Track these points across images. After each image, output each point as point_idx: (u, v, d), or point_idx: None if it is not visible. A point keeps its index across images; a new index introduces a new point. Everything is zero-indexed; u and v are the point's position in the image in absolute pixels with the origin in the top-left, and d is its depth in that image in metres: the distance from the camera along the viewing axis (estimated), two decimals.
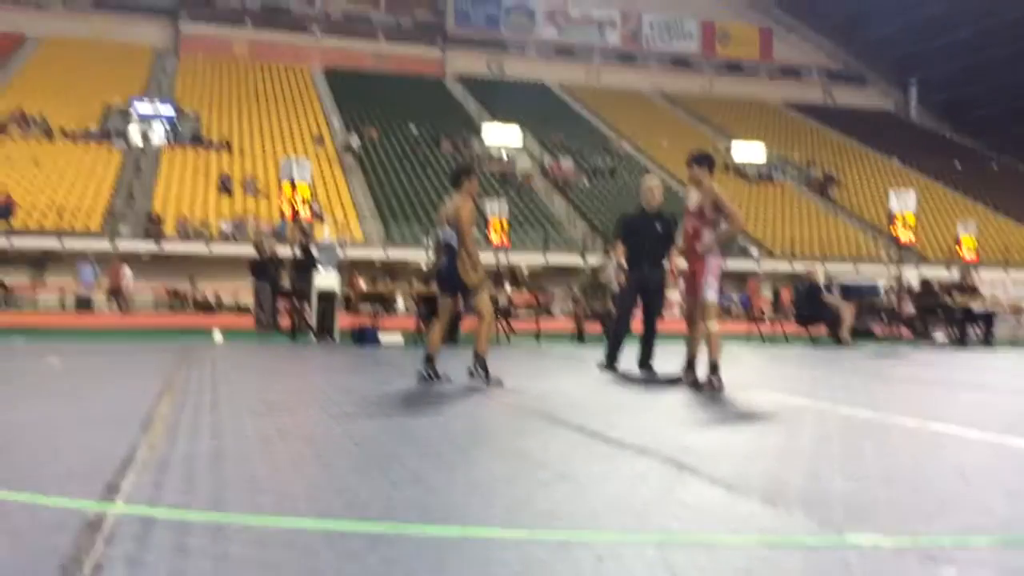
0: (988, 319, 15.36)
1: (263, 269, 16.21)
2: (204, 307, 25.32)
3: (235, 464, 3.84)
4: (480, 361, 7.13)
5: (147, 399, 5.90)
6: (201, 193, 30.44)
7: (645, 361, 8.46)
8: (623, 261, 8.58)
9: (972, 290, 15.72)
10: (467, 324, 7.55)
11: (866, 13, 48.39)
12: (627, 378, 8.06)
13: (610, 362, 8.55)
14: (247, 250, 24.74)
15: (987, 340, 15.10)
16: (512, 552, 2.54)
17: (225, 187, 30.80)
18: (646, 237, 8.33)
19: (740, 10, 54.06)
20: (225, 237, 27.62)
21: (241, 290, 25.04)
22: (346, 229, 28.08)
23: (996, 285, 26.51)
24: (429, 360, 7.32)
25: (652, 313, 8.61)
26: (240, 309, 25.27)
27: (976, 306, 15.37)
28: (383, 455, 4.11)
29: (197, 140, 34.67)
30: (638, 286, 8.48)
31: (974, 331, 15.19)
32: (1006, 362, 11.57)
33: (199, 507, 3.00)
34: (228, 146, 34.21)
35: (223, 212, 29.09)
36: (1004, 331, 16.35)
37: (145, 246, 27.04)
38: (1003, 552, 2.64)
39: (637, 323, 8.77)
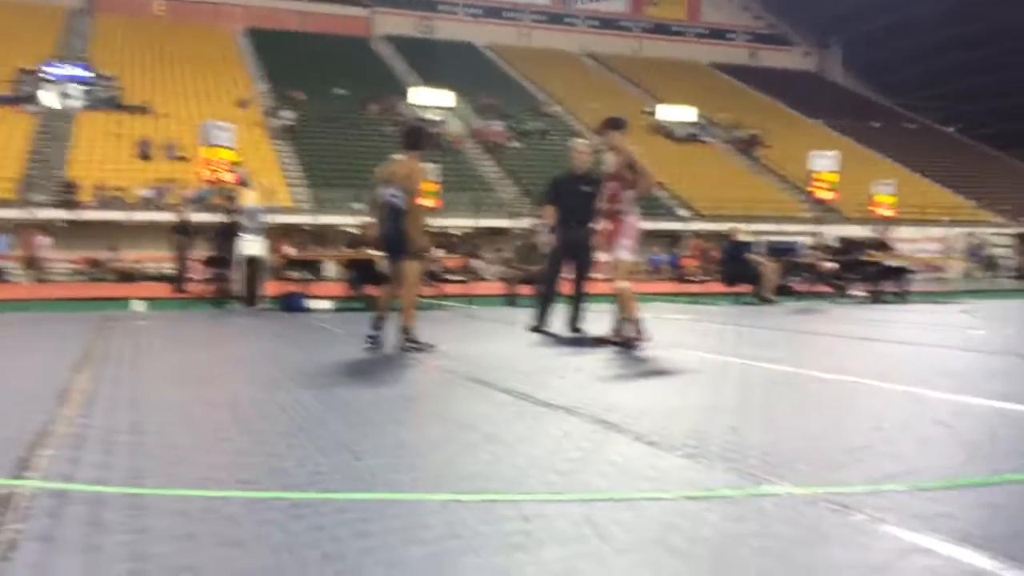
0: (903, 274, 15.87)
1: (185, 235, 15.88)
2: (125, 276, 24.59)
3: (155, 436, 3.76)
4: (409, 334, 7.03)
5: (64, 371, 5.73)
6: (119, 158, 29.44)
7: (574, 323, 8.54)
8: (552, 222, 8.62)
9: (888, 247, 16.21)
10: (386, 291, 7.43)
11: None
12: (556, 340, 8.12)
13: (540, 324, 8.60)
14: (169, 217, 24.12)
15: (902, 294, 15.62)
16: (437, 515, 2.55)
17: (144, 152, 29.84)
18: (573, 199, 8.38)
19: None
20: (146, 203, 26.82)
21: (164, 257, 24.38)
22: (273, 194, 27.52)
23: (912, 242, 27.41)
24: (378, 325, 7.19)
25: (581, 274, 8.68)
26: (163, 278, 24.61)
27: (891, 262, 15.87)
28: (310, 422, 4.08)
29: (114, 103, 33.46)
30: (566, 247, 8.53)
31: (889, 286, 15.68)
32: (919, 316, 12.00)
33: (117, 481, 2.94)
34: (147, 109, 33.11)
35: (143, 178, 28.21)
36: (918, 286, 16.93)
37: (61, 214, 26.10)
38: (911, 498, 2.75)
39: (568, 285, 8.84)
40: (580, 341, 7.99)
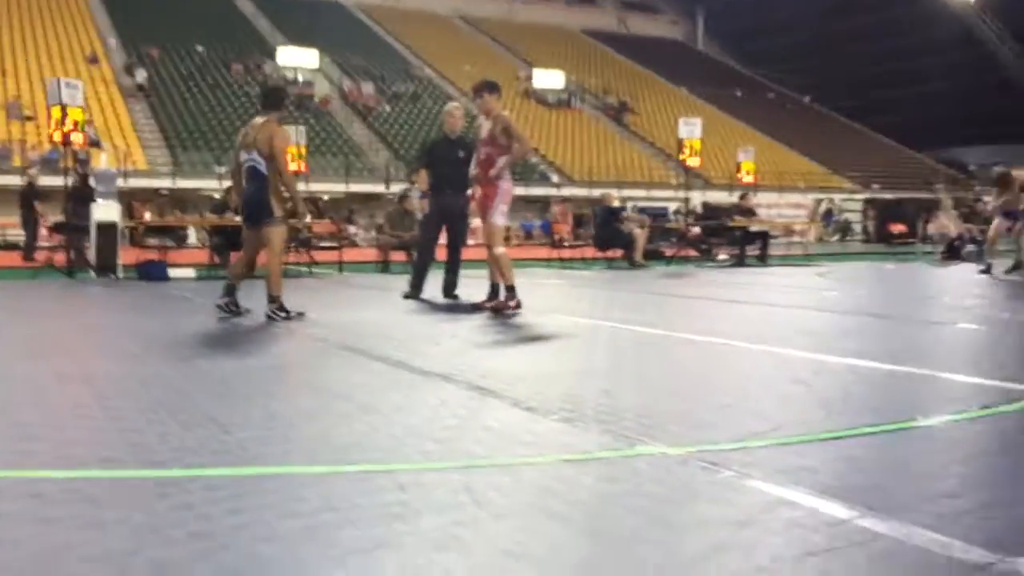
0: (764, 239, 16.59)
1: (31, 199, 14.92)
2: None
3: (4, 414, 3.51)
4: (276, 302, 6.81)
5: None
6: None
7: (450, 289, 8.50)
8: (425, 188, 8.51)
9: (750, 212, 16.89)
10: (261, 258, 7.20)
11: None
12: (431, 306, 8.07)
13: (414, 291, 8.52)
14: (14, 180, 22.56)
15: (763, 258, 16.33)
16: (312, 488, 2.48)
17: None
18: (448, 163, 8.27)
19: None
20: None
21: (10, 224, 22.85)
22: (128, 157, 26.13)
23: (771, 207, 28.68)
24: (230, 292, 6.98)
25: (456, 241, 8.63)
26: (9, 245, 23.06)
27: (754, 227, 16.55)
28: (174, 396, 3.90)
29: None
30: (440, 213, 8.45)
31: (751, 249, 16.36)
32: (779, 279, 12.57)
33: None
34: None
35: None
36: (777, 250, 17.75)
37: None
38: (775, 453, 2.87)
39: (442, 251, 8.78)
40: (455, 308, 7.97)
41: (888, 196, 37.04)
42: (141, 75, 31.76)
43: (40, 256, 14.13)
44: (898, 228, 21.96)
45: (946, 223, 17.88)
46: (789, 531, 2.12)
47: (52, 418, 3.51)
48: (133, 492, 2.49)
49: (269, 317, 6.74)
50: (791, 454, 2.86)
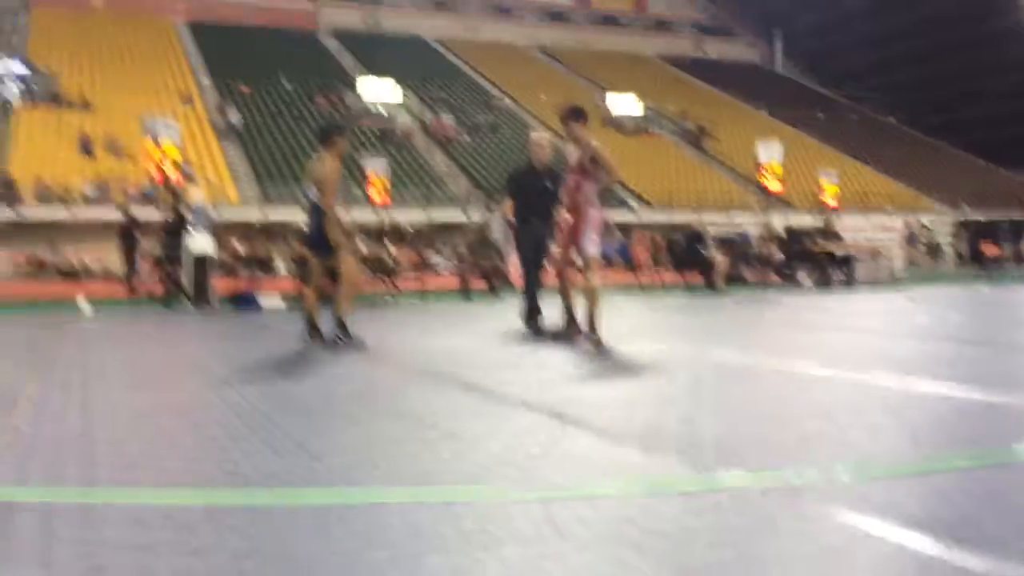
0: (848, 262, 16.21)
1: (131, 233, 15.56)
2: (69, 274, 24.04)
3: (107, 442, 3.69)
4: (340, 324, 7.03)
5: (10, 377, 5.59)
6: (61, 155, 28.72)
7: (530, 318, 8.52)
8: (511, 217, 8.49)
9: (834, 235, 16.53)
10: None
11: None
12: (512, 335, 8.13)
13: (530, 321, 8.34)
14: (112, 213, 23.61)
15: (848, 282, 15.94)
16: (398, 516, 2.54)
17: (86, 148, 29.16)
18: (535, 193, 8.26)
19: None
20: (88, 200, 26.21)
21: (107, 255, 23.87)
22: (220, 190, 27.11)
23: (856, 230, 27.99)
24: (311, 324, 7.22)
25: (536, 270, 8.62)
26: (108, 275, 24.11)
27: (837, 250, 16.19)
28: (264, 423, 4.03)
29: (54, 99, 32.61)
30: (534, 241, 8.38)
31: (836, 274, 15.99)
32: (865, 303, 12.26)
33: (68, 488, 2.88)
34: (88, 105, 32.34)
35: (85, 174, 27.57)
36: (863, 272, 17.30)
37: (1, 213, 25.41)
38: (862, 485, 2.81)
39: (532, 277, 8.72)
40: (535, 336, 7.99)
41: (979, 217, 35.73)
42: (234, 116, 32.89)
43: (142, 287, 14.70)
44: (991, 249, 21.13)
45: None
46: (876, 566, 2.08)
47: (151, 447, 3.68)
48: (228, 518, 2.59)
49: (334, 341, 6.97)
50: (878, 486, 2.81)
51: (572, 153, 7.44)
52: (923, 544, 2.20)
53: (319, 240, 7.21)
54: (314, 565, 2.14)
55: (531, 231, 8.32)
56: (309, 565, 2.14)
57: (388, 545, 2.28)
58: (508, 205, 8.52)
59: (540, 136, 9.04)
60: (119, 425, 4.07)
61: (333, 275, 7.44)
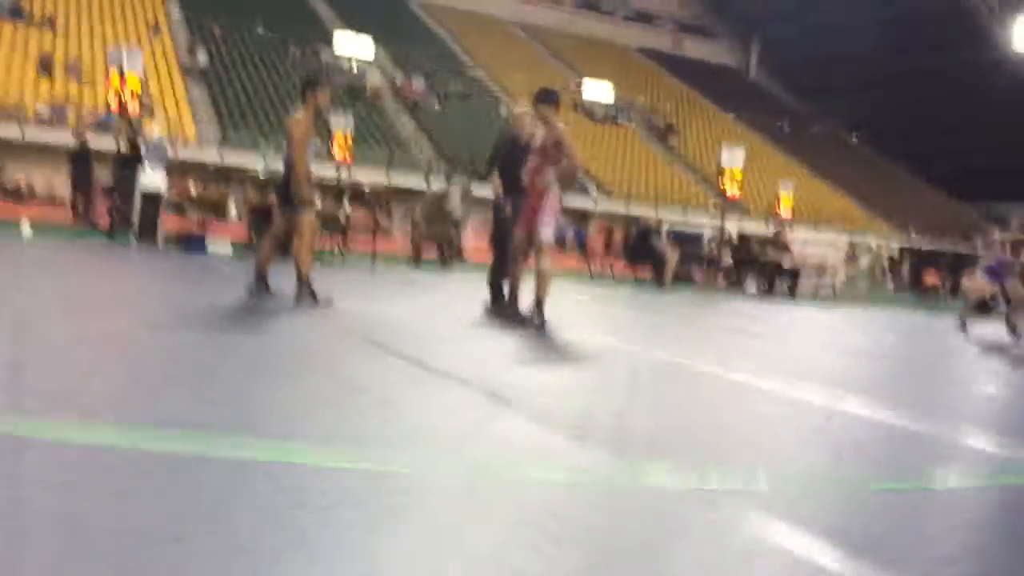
0: (794, 275, 16.53)
1: (84, 159, 15.15)
2: (13, 195, 23.37)
3: (36, 373, 3.63)
4: (305, 286, 6.96)
5: None
6: (17, 72, 27.82)
7: (498, 300, 8.00)
8: (500, 192, 8.06)
9: (784, 247, 16.83)
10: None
11: None
12: (458, 310, 8.14)
13: (499, 305, 7.85)
14: (65, 137, 22.97)
15: (792, 293, 16.25)
16: (327, 481, 2.56)
17: (45, 68, 28.27)
18: (522, 167, 7.81)
19: None
20: (42, 121, 25.46)
21: (55, 179, 23.28)
22: (178, 126, 26.53)
23: (806, 243, 28.46)
24: (260, 274, 7.12)
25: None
26: (54, 201, 23.51)
27: (785, 262, 16.50)
28: (199, 369, 4.01)
29: (17, 14, 31.51)
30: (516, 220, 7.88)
31: (781, 285, 16.30)
32: (806, 316, 12.53)
33: None
34: (52, 24, 31.32)
35: (41, 94, 26.76)
36: (807, 286, 17.66)
37: None
38: (778, 497, 2.91)
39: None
40: (482, 314, 7.95)
41: (925, 245, 36.61)
42: (202, 56, 32.05)
43: (90, 217, 14.26)
44: (931, 278, 21.69)
45: (981, 280, 17.65)
46: (779, 575, 2.16)
47: (81, 382, 3.63)
48: (152, 463, 2.58)
49: (297, 300, 6.88)
50: (793, 498, 2.90)
51: (538, 135, 7.43)
52: (827, 558, 2.29)
53: (284, 194, 7.13)
54: (235, 518, 2.15)
55: (519, 207, 7.86)
56: (230, 518, 2.15)
57: (312, 506, 2.30)
58: (496, 180, 8.13)
59: (521, 110, 8.76)
60: (51, 355, 4.01)
61: (290, 231, 7.32)
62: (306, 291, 6.91)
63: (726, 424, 4.18)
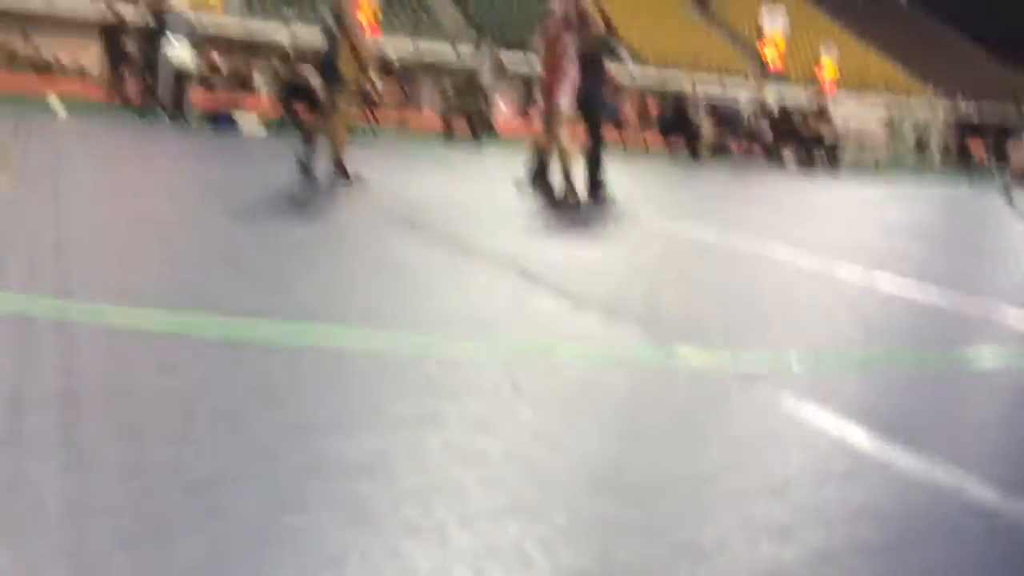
0: (836, 148, 16.15)
1: (118, 34, 14.81)
2: (42, 68, 23.19)
3: (81, 256, 3.71)
4: (338, 164, 6.89)
5: None
6: None
7: (593, 183, 7.54)
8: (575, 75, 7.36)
9: (826, 119, 16.37)
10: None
11: None
12: (489, 186, 8.11)
13: (594, 185, 7.51)
14: (88, 8, 22.52)
15: (833, 166, 15.93)
16: (368, 363, 2.63)
17: None
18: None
19: None
20: None
21: (82, 53, 22.99)
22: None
23: (849, 115, 27.68)
24: (338, 163, 6.92)
25: (595, 130, 7.74)
26: (82, 75, 23.35)
27: (827, 134, 16.09)
28: (238, 251, 4.07)
29: None
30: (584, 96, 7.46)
31: (822, 158, 15.96)
32: (845, 191, 12.32)
33: (43, 299, 2.92)
34: None
35: None
36: (848, 159, 17.28)
37: None
38: (810, 373, 2.94)
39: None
40: (511, 190, 7.82)
41: (974, 113, 35.38)
42: None
43: (124, 94, 14.00)
44: (979, 150, 21.01)
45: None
46: (809, 456, 2.20)
47: (124, 262, 3.71)
48: (199, 343, 2.66)
49: (331, 179, 6.87)
50: (826, 378, 2.94)
51: (558, 6, 7.19)
52: (857, 439, 2.34)
53: (328, 70, 6.96)
54: (286, 398, 2.23)
55: (586, 88, 7.42)
56: (281, 397, 2.23)
57: (358, 389, 2.37)
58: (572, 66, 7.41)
59: None
60: (94, 239, 4.08)
61: (319, 106, 7.20)
62: (340, 170, 6.88)
63: (760, 302, 4.19)
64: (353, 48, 6.88)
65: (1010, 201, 11.35)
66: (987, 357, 3.44)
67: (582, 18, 7.09)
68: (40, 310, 2.79)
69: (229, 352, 2.59)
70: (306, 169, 6.91)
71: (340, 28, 6.80)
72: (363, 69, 6.98)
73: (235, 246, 4.22)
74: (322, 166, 7.00)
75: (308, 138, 7.11)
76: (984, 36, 43.24)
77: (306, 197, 6.29)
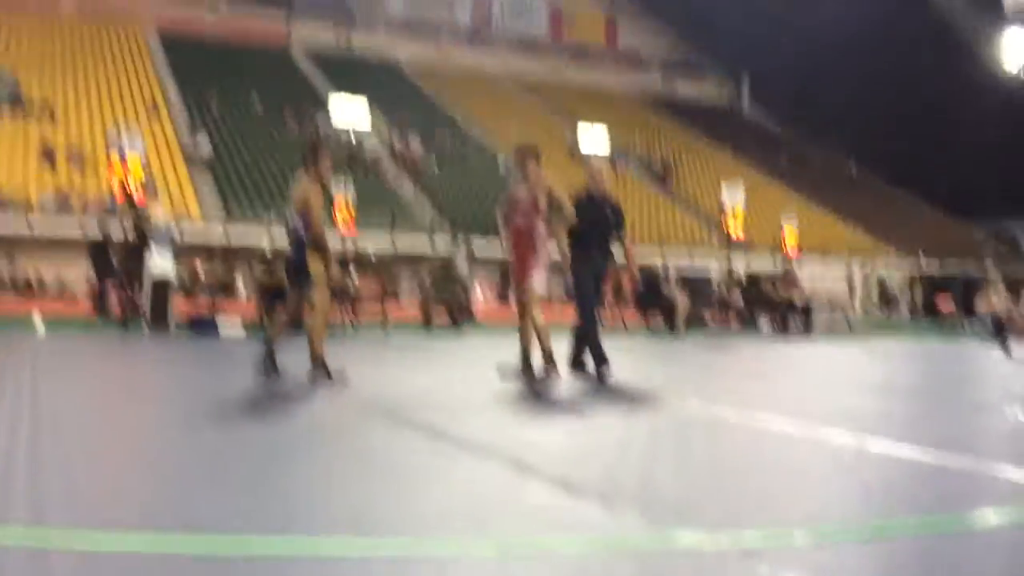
0: (807, 311, 16.47)
1: (105, 250, 15.16)
2: (24, 289, 23.51)
3: (57, 478, 3.61)
4: (318, 362, 6.86)
5: None
6: (19, 163, 28.23)
7: (578, 360, 7.76)
8: (566, 249, 7.60)
9: (794, 283, 16.79)
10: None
11: (705, 6, 50.35)
12: (468, 373, 8.12)
13: (577, 362, 7.71)
14: (72, 227, 23.15)
15: (806, 330, 16.17)
16: (354, 570, 2.53)
17: (48, 157, 28.71)
18: (597, 223, 7.67)
19: None
20: (46, 210, 25.70)
21: (65, 270, 23.48)
22: (182, 204, 26.82)
23: (815, 276, 28.40)
24: (269, 353, 7.01)
25: (597, 306, 8.01)
26: (64, 293, 23.69)
27: (797, 298, 16.44)
28: (218, 460, 3.99)
29: (15, 104, 32.10)
30: (595, 274, 7.75)
31: (795, 322, 16.23)
32: (823, 353, 12.44)
33: (15, 526, 2.82)
34: (51, 112, 31.88)
35: (45, 184, 27.11)
36: (821, 322, 17.57)
37: None
38: (813, 548, 2.85)
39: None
40: (493, 375, 7.82)
41: (935, 269, 36.48)
42: (204, 142, 32.08)
43: (111, 309, 14.07)
44: (946, 304, 21.54)
45: (994, 301, 17.56)
46: None
47: (103, 482, 3.61)
48: (179, 562, 2.55)
49: (311, 378, 6.83)
50: (831, 551, 2.85)
51: (523, 190, 7.40)
52: None
53: (297, 271, 7.00)
54: None
55: (592, 264, 7.68)
56: None
57: None
58: (562, 235, 7.62)
59: (598, 161, 8.54)
60: (70, 459, 3.99)
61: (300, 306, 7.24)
62: (320, 368, 6.84)
63: (754, 475, 4.12)
64: (317, 244, 6.96)
65: (1006, 349, 11.60)
66: (989, 517, 3.36)
67: (551, 201, 7.29)
68: (11, 541, 2.68)
69: (212, 570, 2.48)
70: (267, 371, 6.84)
71: (304, 226, 6.91)
72: (327, 264, 7.01)
73: (213, 452, 4.14)
74: (287, 363, 6.92)
75: (268, 337, 7.08)
76: (935, 195, 45.28)
77: (285, 395, 6.24)
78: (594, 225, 7.68)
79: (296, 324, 7.40)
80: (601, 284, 7.95)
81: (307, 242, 6.91)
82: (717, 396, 7.52)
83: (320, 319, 7.01)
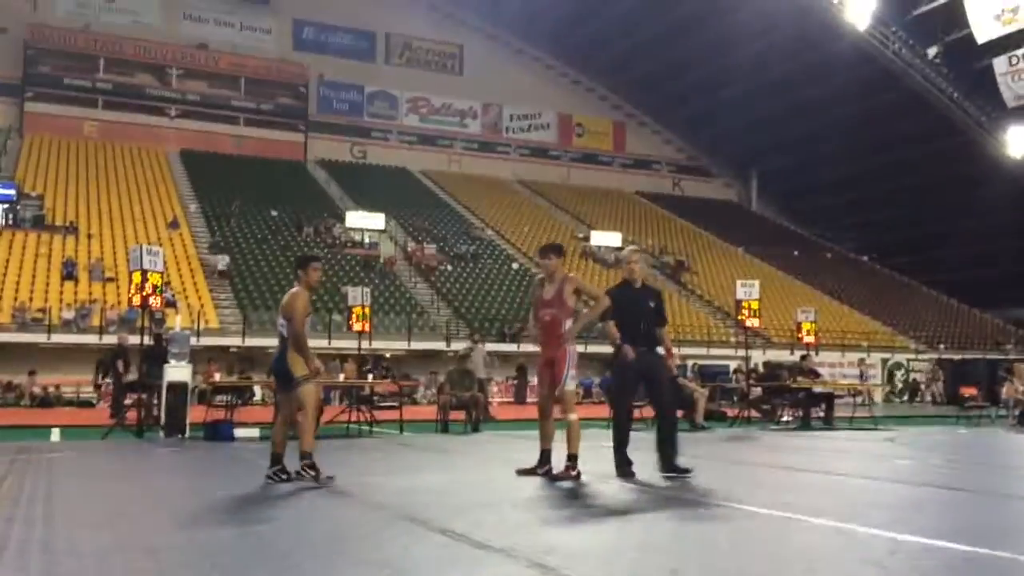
0: (828, 400, 16.24)
1: (122, 360, 15.31)
2: (42, 402, 23.59)
3: None
4: (306, 460, 6.91)
5: None
6: (42, 279, 28.71)
7: (670, 463, 7.50)
8: (617, 339, 7.42)
9: (813, 373, 16.62)
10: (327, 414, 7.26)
11: (710, 111, 51.43)
12: (487, 473, 8.01)
13: (623, 468, 7.46)
14: (91, 339, 23.46)
15: (828, 420, 15.91)
16: None
17: (70, 273, 29.19)
18: (639, 314, 7.51)
19: (595, 105, 56.62)
20: (67, 325, 26.02)
21: (81, 380, 23.69)
22: (201, 315, 27.08)
23: (834, 367, 28.18)
24: (276, 460, 7.06)
25: (665, 403, 7.78)
26: (79, 401, 23.78)
27: (817, 388, 16.24)
28: (234, 569, 3.90)
29: (39, 223, 32.86)
30: (637, 372, 7.52)
31: (815, 411, 15.99)
32: (846, 444, 12.20)
33: None
34: (74, 229, 32.58)
35: (66, 299, 27.50)
36: (842, 411, 17.31)
37: None
38: None
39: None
40: (512, 474, 7.73)
41: (956, 357, 36.11)
42: (223, 261, 32.61)
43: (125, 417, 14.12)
44: (969, 391, 21.29)
45: (1019, 387, 17.31)
46: None
47: None
48: None
49: (299, 474, 6.86)
50: None
51: (548, 288, 7.50)
52: None
53: (280, 373, 7.20)
54: None
55: (640, 360, 7.40)
56: None
57: None
58: (612, 328, 7.47)
59: (633, 251, 8.22)
60: (81, 568, 3.92)
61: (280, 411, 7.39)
62: (309, 469, 6.85)
63: (783, 569, 3.99)
64: (296, 344, 7.09)
65: None
66: None
67: (580, 294, 7.37)
68: None
69: None
70: (276, 477, 6.97)
71: (288, 327, 7.09)
72: (307, 361, 7.09)
73: (226, 564, 4.05)
74: (296, 467, 6.94)
75: (274, 450, 7.16)
76: (951, 285, 45.21)
77: (301, 500, 6.15)
78: (636, 317, 7.53)
79: (289, 426, 7.43)
80: (658, 378, 7.62)
81: (289, 344, 7.11)
82: (740, 487, 7.34)
83: (310, 417, 7.10)
